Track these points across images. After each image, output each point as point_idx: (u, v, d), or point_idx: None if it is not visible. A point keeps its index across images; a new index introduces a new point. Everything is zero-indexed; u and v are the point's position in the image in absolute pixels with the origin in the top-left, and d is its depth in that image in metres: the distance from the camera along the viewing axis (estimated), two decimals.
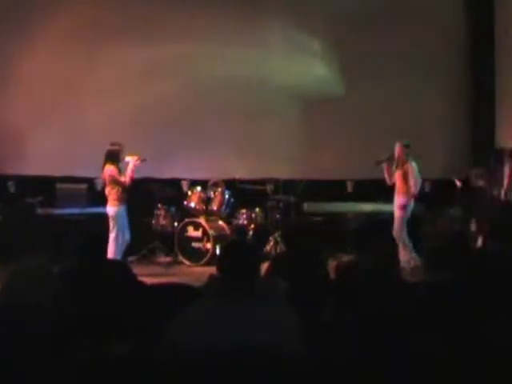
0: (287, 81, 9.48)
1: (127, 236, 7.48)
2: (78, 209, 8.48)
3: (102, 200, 8.53)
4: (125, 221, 7.47)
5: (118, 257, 7.35)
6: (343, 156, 9.40)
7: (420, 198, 8.15)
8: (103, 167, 7.45)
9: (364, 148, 8.89)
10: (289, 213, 8.90)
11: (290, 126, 9.57)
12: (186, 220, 8.76)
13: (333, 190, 9.31)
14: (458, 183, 8.77)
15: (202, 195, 8.83)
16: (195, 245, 8.63)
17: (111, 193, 7.42)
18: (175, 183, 9.35)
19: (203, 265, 8.37)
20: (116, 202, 7.40)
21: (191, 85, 9.33)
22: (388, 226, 7.80)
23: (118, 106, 9.18)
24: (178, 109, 9.27)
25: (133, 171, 7.50)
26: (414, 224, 8.08)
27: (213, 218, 8.95)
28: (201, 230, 8.64)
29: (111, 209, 7.42)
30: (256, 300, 2.62)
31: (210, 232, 8.54)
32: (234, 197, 8.99)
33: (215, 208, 8.84)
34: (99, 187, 9.15)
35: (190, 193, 8.91)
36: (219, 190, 8.90)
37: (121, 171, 7.47)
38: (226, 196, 8.91)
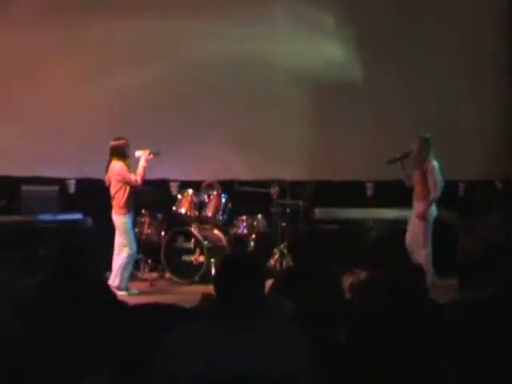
0: (295, 64, 9.49)
1: (134, 247, 7.63)
2: (48, 215, 8.49)
3: (76, 204, 8.55)
4: (132, 231, 7.64)
5: (126, 275, 7.49)
6: (362, 153, 9.41)
7: (453, 202, 8.15)
8: (108, 165, 7.53)
9: (386, 144, 8.89)
10: (297, 220, 8.92)
11: (299, 117, 9.58)
12: (175, 229, 8.78)
13: (349, 193, 9.32)
14: (500, 185, 8.78)
15: (195, 199, 8.85)
16: (186, 258, 8.65)
17: (118, 196, 7.50)
18: (162, 185, 9.37)
19: (195, 282, 8.39)
20: (123, 210, 7.51)
21: (181, 68, 9.34)
22: None
23: (95, 94, 9.19)
24: (166, 97, 9.29)
25: (145, 169, 7.57)
26: (445, 233, 8.09)
27: (207, 226, 8.97)
28: (192, 240, 8.66)
29: (118, 218, 7.52)
30: (259, 324, 2.64)
31: (204, 243, 8.56)
32: (232, 201, 9.01)
33: (210, 214, 8.86)
34: (72, 189, 9.19)
35: (179, 196, 8.93)
36: (214, 193, 8.92)
37: (130, 169, 7.55)
38: (223, 200, 8.92)
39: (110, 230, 7.72)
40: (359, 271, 7.68)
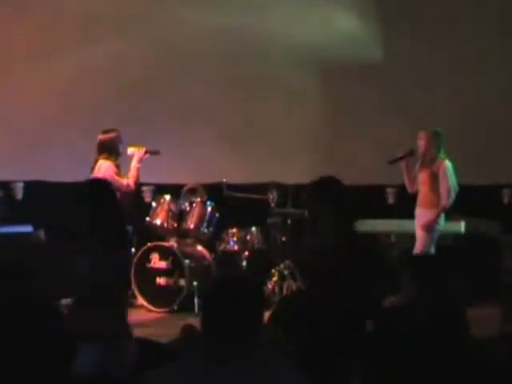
0: (300, 40, 9.52)
1: None
2: None
3: (25, 213, 8.50)
4: None
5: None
6: (382, 151, 9.38)
7: (495, 213, 8.14)
8: (94, 164, 7.55)
9: (412, 139, 8.89)
10: (300, 234, 8.90)
11: (303, 105, 9.61)
12: (149, 244, 8.76)
13: (366, 200, 9.31)
14: None
15: (173, 208, 8.84)
16: (162, 281, 8.64)
17: None
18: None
19: (174, 311, 8.39)
20: None
21: (159, 45, 9.37)
22: (451, 252, 7.82)
23: (50, 75, 9.19)
24: (138, 80, 9.30)
25: (138, 170, 7.67)
26: (486, 251, 8.10)
27: (188, 241, 8.96)
28: (170, 258, 8.64)
29: None
30: (254, 364, 2.63)
31: (185, 262, 8.54)
32: (220, 210, 9.00)
33: (192, 226, 8.85)
34: (20, 195, 9.16)
35: (154, 204, 8.93)
36: (198, 199, 8.92)
37: (120, 170, 7.60)
38: (209, 209, 8.92)
39: (69, 245, 7.68)
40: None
